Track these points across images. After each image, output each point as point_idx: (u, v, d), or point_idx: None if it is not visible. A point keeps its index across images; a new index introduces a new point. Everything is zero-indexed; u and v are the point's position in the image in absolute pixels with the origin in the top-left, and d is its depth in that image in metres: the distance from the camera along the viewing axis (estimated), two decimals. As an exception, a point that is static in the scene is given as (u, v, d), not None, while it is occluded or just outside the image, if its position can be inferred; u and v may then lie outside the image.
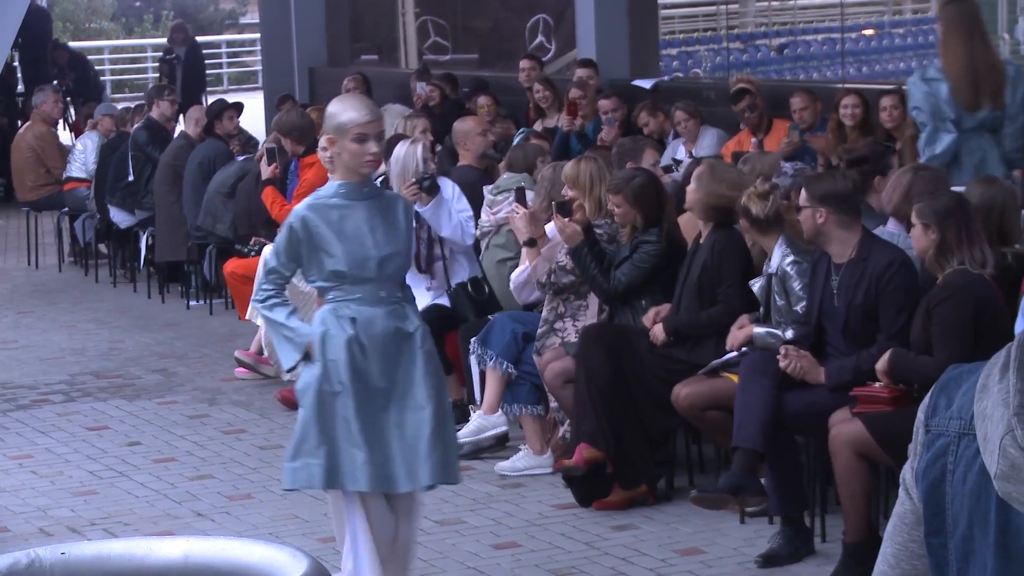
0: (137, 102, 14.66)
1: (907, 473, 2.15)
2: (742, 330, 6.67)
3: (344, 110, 5.41)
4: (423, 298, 8.41)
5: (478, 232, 8.50)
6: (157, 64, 21.40)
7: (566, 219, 7.29)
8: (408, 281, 8.48)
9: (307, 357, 5.39)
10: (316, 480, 5.39)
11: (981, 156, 7.81)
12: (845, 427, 5.96)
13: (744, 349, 6.63)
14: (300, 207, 5.47)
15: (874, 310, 6.13)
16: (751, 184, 6.92)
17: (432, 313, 8.31)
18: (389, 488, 5.38)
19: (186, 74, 18.94)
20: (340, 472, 5.36)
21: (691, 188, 7.01)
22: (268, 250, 5.50)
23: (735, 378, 6.49)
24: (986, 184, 6.48)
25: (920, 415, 2.12)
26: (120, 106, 15.05)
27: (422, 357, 5.42)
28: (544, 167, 8.30)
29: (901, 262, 6.16)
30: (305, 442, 5.39)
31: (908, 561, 2.17)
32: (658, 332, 6.93)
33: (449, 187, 8.49)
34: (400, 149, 8.53)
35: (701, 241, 7.01)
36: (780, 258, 6.63)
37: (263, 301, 5.49)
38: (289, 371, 5.74)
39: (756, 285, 6.78)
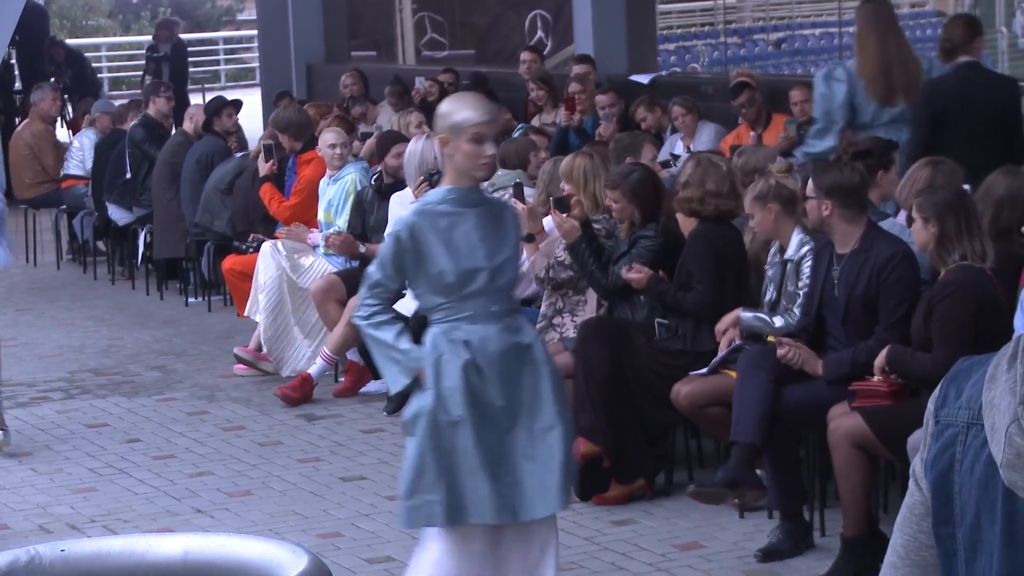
0: (132, 99, 14.62)
1: (917, 464, 2.15)
2: (729, 314, 6.69)
3: (459, 108, 5.01)
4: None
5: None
6: (144, 61, 21.37)
7: (564, 215, 7.29)
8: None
9: (417, 382, 5.00)
10: (437, 518, 4.94)
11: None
12: (844, 421, 5.97)
13: (738, 343, 6.64)
14: (408, 214, 5.08)
15: (874, 301, 6.13)
16: (735, 179, 6.96)
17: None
18: (517, 518, 4.96)
19: (172, 71, 18.93)
20: (464, 507, 4.93)
21: (682, 187, 7.00)
22: (371, 266, 5.06)
23: (733, 374, 6.49)
24: (1011, 175, 6.46)
25: (930, 406, 2.13)
26: (117, 103, 15.05)
27: (545, 371, 5.02)
28: (544, 163, 8.30)
29: (904, 255, 6.16)
30: (422, 477, 4.95)
31: (917, 552, 2.18)
32: (639, 277, 6.94)
33: None
34: (415, 144, 8.52)
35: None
36: (798, 245, 6.64)
37: (367, 318, 5.06)
38: (395, 395, 5.34)
39: (771, 271, 6.79)
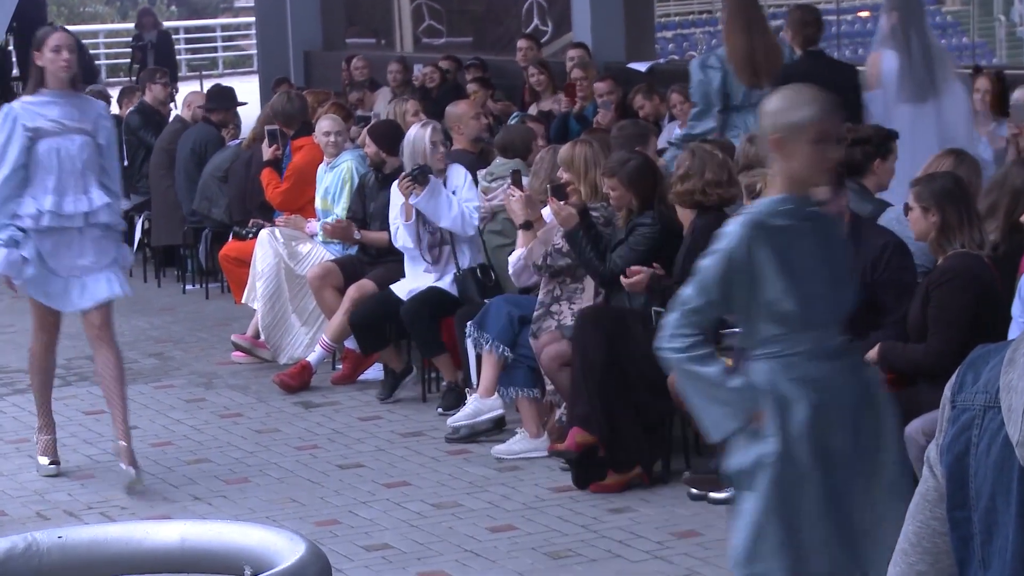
0: (125, 86, 14.58)
1: (931, 450, 2.16)
2: (648, 278, 6.70)
3: (796, 104, 4.38)
4: (422, 280, 8.41)
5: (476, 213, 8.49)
6: (129, 50, 21.39)
7: (561, 202, 7.28)
8: (407, 262, 8.53)
9: (749, 426, 4.34)
10: None
11: None
12: None
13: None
14: (739, 227, 4.35)
15: (871, 296, 6.11)
16: (731, 166, 6.96)
17: (430, 295, 8.31)
18: None
19: (157, 60, 18.90)
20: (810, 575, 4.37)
21: (682, 179, 6.98)
22: (685, 290, 4.40)
23: (729, 362, 6.48)
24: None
25: (947, 392, 2.14)
26: (117, 91, 15.01)
27: (887, 410, 4.46)
28: (542, 150, 8.29)
29: (895, 245, 6.15)
30: (763, 541, 4.31)
31: (930, 539, 2.18)
32: (636, 278, 6.92)
33: (461, 175, 8.43)
34: (411, 133, 8.50)
35: (685, 230, 7.03)
36: None
37: (685, 351, 4.33)
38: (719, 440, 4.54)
39: None
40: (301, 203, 9.92)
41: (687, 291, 4.41)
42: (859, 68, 9.17)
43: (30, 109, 7.01)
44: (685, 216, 7.20)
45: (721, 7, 9.56)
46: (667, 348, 4.39)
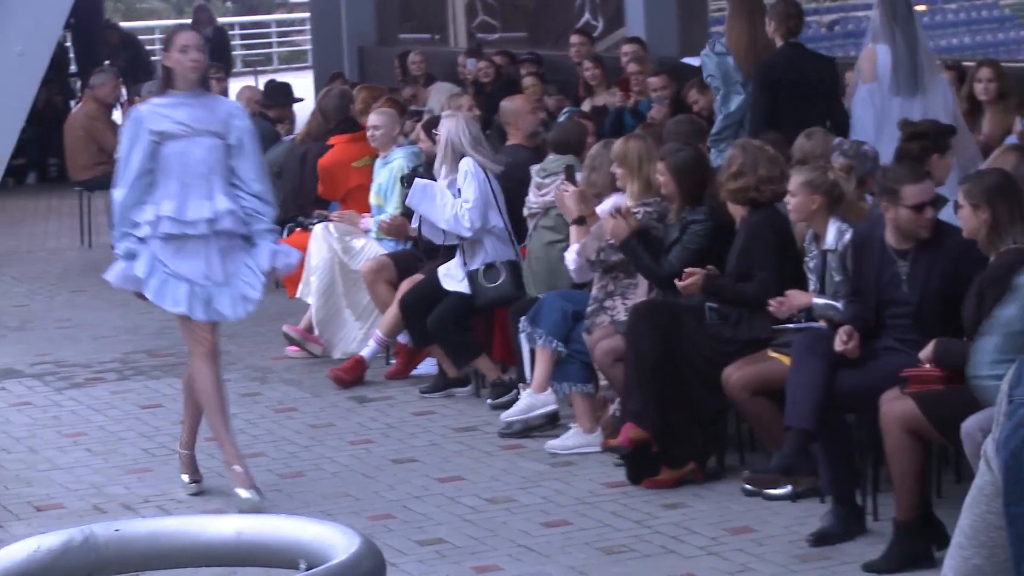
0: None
1: (988, 445, 2.15)
2: (801, 296, 6.65)
3: None
4: (457, 275, 8.43)
5: (526, 212, 8.49)
6: None
7: (575, 187, 7.51)
8: (449, 267, 8.48)
9: None
10: None
11: None
12: (896, 405, 5.93)
13: (805, 323, 6.61)
14: None
15: (951, 296, 6.02)
16: (782, 161, 6.93)
17: (450, 304, 8.33)
18: None
19: (212, 56, 18.98)
20: None
21: (735, 177, 6.94)
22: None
23: (786, 360, 6.46)
24: None
25: (1004, 386, 2.13)
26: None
27: None
28: (595, 145, 8.27)
29: (974, 244, 6.09)
30: None
31: (986, 533, 2.17)
32: (692, 280, 6.89)
33: (462, 172, 8.33)
34: (443, 125, 8.51)
35: (738, 225, 7.01)
36: (837, 235, 6.61)
37: None
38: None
39: (812, 262, 6.77)
40: (340, 197, 10.01)
41: (1009, 311, 3.98)
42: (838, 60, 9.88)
43: (156, 112, 6.69)
44: (736, 211, 7.18)
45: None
46: (987, 376, 4.01)
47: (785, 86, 8.93)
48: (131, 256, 6.67)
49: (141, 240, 6.66)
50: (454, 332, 8.37)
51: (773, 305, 6.68)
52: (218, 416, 6.86)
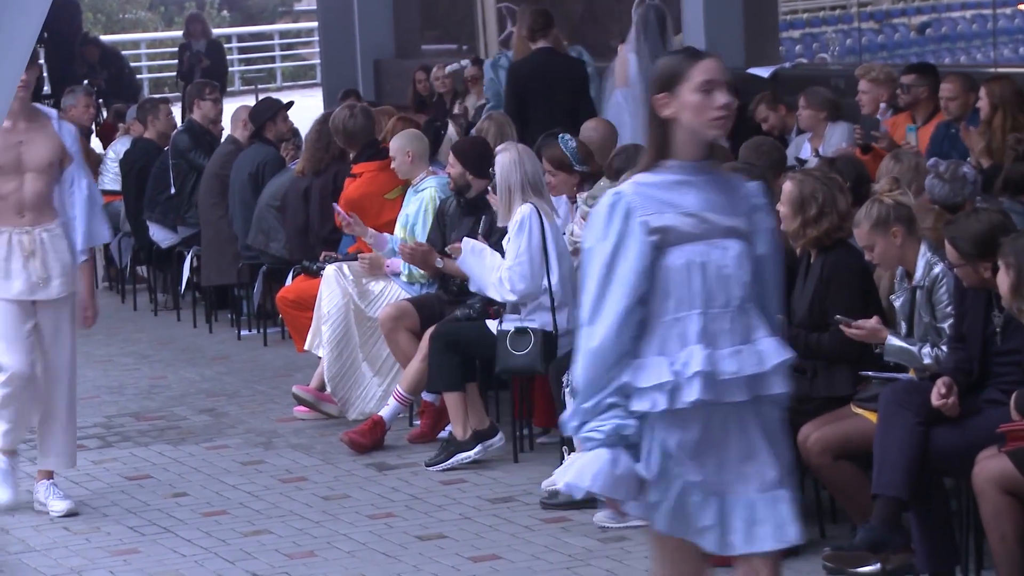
0: (148, 101, 14.63)
1: None
2: (875, 330, 6.65)
3: None
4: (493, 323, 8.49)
5: (569, 246, 8.52)
6: (176, 61, 21.71)
7: None
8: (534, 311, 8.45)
9: None
10: None
11: None
12: (989, 463, 5.95)
13: (888, 375, 6.62)
14: None
15: None
16: (848, 194, 6.98)
17: (485, 338, 8.42)
18: None
19: (207, 72, 19.08)
20: None
21: (809, 218, 6.95)
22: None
23: (873, 417, 6.46)
24: None
25: None
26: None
27: None
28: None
29: None
30: None
31: None
32: None
33: (515, 220, 8.37)
34: (499, 162, 8.49)
35: (812, 260, 7.01)
36: (926, 268, 6.63)
37: None
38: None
39: (898, 301, 6.78)
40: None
41: None
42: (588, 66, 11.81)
43: (652, 195, 4.69)
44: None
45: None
46: None
47: (532, 87, 11.09)
48: (622, 441, 4.66)
49: (639, 417, 4.68)
50: (445, 353, 8.42)
51: (851, 330, 6.68)
52: None
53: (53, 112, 8.25)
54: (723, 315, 4.68)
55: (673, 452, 4.63)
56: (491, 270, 8.41)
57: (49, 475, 8.13)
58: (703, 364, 4.60)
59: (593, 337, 4.63)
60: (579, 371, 4.64)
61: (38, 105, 8.21)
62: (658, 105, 4.67)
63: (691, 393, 4.61)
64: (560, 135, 9.29)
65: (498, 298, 8.43)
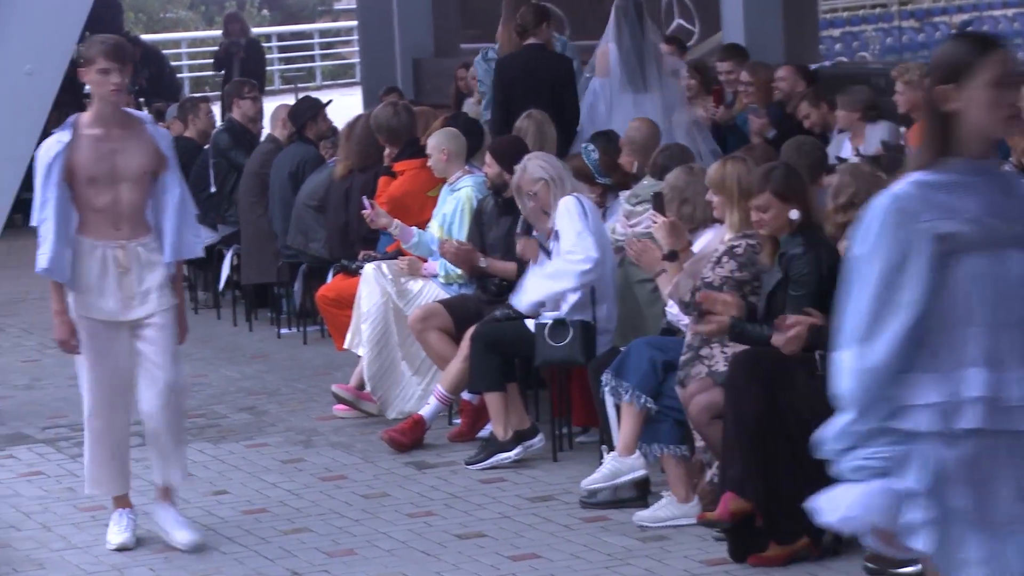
0: (186, 101, 14.68)
1: None
2: None
3: None
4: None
5: (612, 245, 8.52)
6: (213, 60, 21.76)
7: (664, 217, 7.55)
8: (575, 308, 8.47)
9: None
10: None
11: None
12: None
13: None
14: None
15: None
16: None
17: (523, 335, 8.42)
18: None
19: (246, 70, 19.12)
20: None
21: (845, 209, 6.90)
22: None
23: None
24: None
25: None
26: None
27: None
28: (677, 169, 8.24)
29: None
30: None
31: None
32: (792, 334, 6.76)
33: (564, 215, 8.36)
34: (531, 168, 8.54)
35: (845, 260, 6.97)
36: None
37: None
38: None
39: None
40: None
41: None
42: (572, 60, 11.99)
43: (934, 198, 4.26)
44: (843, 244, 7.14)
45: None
46: None
47: (519, 83, 11.26)
48: (880, 476, 4.26)
49: (906, 437, 4.28)
50: (485, 354, 8.42)
51: None
52: None
53: (148, 116, 7.86)
54: (1010, 333, 4.25)
55: (941, 473, 4.23)
56: (556, 278, 8.39)
57: (167, 494, 7.61)
58: (985, 389, 4.20)
59: (869, 357, 4.23)
60: (849, 390, 4.25)
61: (131, 110, 7.70)
62: (940, 98, 4.25)
63: (970, 420, 4.20)
64: (584, 146, 9.30)
65: (574, 284, 8.33)
